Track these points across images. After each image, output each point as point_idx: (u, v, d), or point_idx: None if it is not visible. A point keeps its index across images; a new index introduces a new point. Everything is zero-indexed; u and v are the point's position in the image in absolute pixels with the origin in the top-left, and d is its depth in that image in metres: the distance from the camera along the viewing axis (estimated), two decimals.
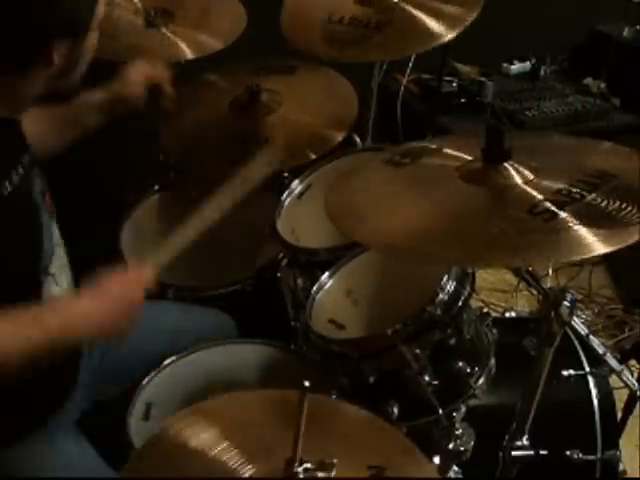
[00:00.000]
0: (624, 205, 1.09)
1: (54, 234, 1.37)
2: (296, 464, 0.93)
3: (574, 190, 1.14)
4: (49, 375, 1.37)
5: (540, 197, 1.13)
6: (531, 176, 1.18)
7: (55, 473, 1.35)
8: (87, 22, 1.27)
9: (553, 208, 1.10)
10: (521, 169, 1.20)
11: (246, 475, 0.99)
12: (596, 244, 1.03)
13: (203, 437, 1.04)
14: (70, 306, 1.31)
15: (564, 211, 1.09)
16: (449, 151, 1.34)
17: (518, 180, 1.18)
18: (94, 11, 1.28)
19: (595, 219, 1.07)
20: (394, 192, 1.29)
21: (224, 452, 1.02)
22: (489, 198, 1.18)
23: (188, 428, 1.06)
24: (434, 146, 1.38)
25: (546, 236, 1.07)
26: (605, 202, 1.11)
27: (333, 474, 0.94)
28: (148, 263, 1.39)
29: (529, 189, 1.16)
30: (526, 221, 1.10)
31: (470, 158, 1.27)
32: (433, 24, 1.89)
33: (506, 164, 1.20)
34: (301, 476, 0.93)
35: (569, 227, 1.06)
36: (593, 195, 1.12)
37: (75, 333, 1.27)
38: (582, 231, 1.06)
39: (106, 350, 1.58)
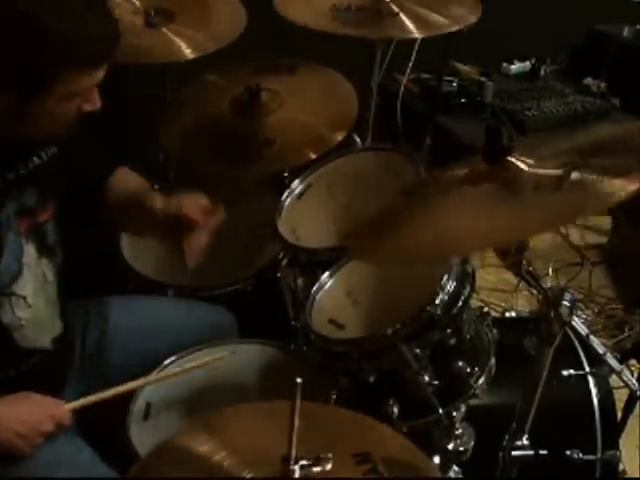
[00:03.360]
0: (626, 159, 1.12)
1: (25, 255, 1.35)
2: (292, 462, 0.93)
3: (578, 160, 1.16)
4: (36, 373, 1.39)
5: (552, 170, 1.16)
6: (533, 162, 1.20)
7: (47, 470, 1.35)
8: (39, 88, 1.23)
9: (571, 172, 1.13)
10: (523, 158, 1.21)
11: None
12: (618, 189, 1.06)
13: (202, 449, 1.04)
14: None
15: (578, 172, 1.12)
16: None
17: (524, 167, 1.20)
18: (51, 80, 1.22)
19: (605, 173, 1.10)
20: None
21: (222, 461, 1.02)
22: (505, 189, 1.20)
23: (189, 440, 1.06)
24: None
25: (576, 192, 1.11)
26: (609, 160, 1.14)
27: (329, 467, 0.95)
28: (70, 405, 1.38)
29: (538, 170, 1.18)
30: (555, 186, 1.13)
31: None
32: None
33: (509, 158, 1.21)
34: (297, 474, 0.94)
35: (591, 180, 1.10)
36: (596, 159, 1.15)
37: None
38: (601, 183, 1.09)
39: (104, 350, 1.58)
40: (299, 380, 0.89)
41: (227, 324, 1.70)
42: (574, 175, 1.13)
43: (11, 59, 1.18)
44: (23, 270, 1.35)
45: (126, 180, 1.61)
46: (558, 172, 1.15)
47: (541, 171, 1.18)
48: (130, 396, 1.46)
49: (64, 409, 1.36)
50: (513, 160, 1.21)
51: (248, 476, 0.99)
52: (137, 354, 1.56)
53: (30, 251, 1.37)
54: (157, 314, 1.66)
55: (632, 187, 1.04)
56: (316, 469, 0.94)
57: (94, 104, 1.31)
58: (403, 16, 1.98)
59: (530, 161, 1.20)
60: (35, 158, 1.38)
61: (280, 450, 0.94)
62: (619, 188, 1.06)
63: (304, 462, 0.94)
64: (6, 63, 1.19)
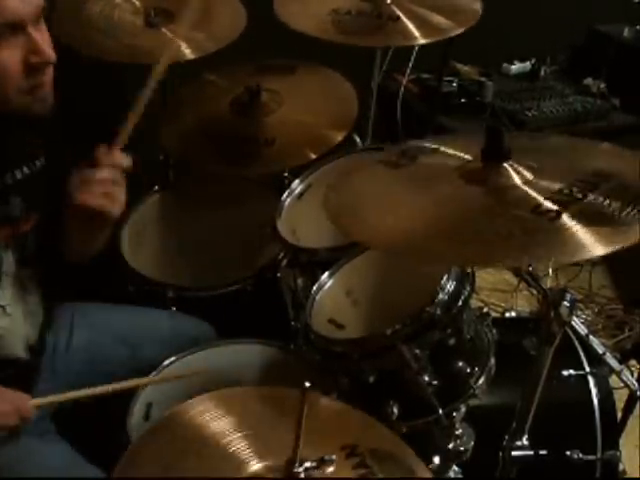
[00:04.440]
0: (625, 205, 1.09)
1: (4, 264, 1.34)
2: (296, 464, 0.93)
3: (574, 190, 1.14)
4: (8, 383, 1.36)
5: (542, 197, 1.13)
6: (530, 176, 1.18)
7: (13, 469, 1.34)
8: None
9: (556, 207, 1.10)
10: (520, 169, 1.19)
11: (253, 468, 1.00)
12: (598, 244, 1.03)
13: (221, 424, 1.06)
14: None
15: (567, 211, 1.09)
16: (447, 151, 1.34)
17: (517, 180, 1.18)
18: None
19: (597, 219, 1.07)
20: (394, 192, 1.29)
21: (236, 442, 1.04)
22: (489, 198, 1.18)
23: (208, 412, 1.08)
24: (432, 146, 1.38)
25: (551, 236, 1.07)
26: (606, 202, 1.10)
27: (332, 469, 0.95)
28: (34, 401, 1.35)
29: (529, 189, 1.16)
30: (530, 220, 1.09)
31: (469, 158, 1.27)
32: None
33: (505, 164, 1.19)
34: (302, 476, 0.94)
35: (573, 227, 1.06)
36: (593, 195, 1.12)
37: None
38: (585, 231, 1.05)
39: (81, 358, 1.57)
40: (307, 384, 0.89)
41: (206, 335, 1.68)
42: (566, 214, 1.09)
43: None
44: (2, 279, 1.34)
45: None
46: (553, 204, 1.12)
47: (535, 194, 1.14)
48: (130, 396, 1.46)
49: (29, 403, 1.33)
50: (509, 169, 1.19)
51: (255, 466, 0.99)
52: (122, 362, 1.55)
53: (9, 260, 1.36)
54: (139, 323, 1.65)
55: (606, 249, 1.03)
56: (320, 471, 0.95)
57: (42, 54, 1.21)
58: (405, 20, 1.96)
59: (528, 175, 1.19)
60: (24, 167, 1.36)
61: (285, 439, 0.95)
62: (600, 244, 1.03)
63: (308, 464, 0.94)
64: None
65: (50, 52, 1.23)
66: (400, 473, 1.05)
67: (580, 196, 1.12)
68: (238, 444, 1.04)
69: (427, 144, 1.39)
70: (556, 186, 1.15)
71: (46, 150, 1.40)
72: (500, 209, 1.15)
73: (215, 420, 1.08)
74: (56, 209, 1.43)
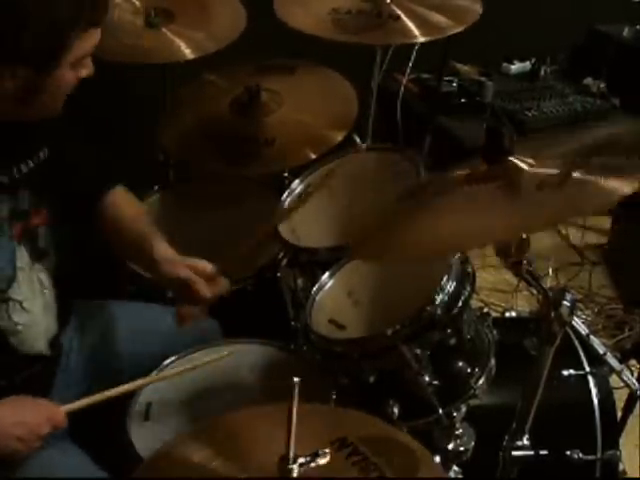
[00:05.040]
0: (629, 154, 1.13)
1: (18, 259, 1.35)
2: (290, 461, 0.93)
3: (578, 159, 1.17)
4: (34, 381, 1.39)
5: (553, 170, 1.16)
6: (533, 162, 1.20)
7: (36, 475, 1.34)
8: (55, 56, 1.22)
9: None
10: (523, 158, 1.21)
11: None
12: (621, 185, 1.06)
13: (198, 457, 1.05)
14: None
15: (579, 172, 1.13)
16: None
17: (524, 166, 1.20)
18: (66, 45, 1.22)
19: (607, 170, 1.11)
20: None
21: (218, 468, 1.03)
22: (506, 188, 1.20)
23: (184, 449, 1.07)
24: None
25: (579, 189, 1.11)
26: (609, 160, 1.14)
27: (326, 460, 0.95)
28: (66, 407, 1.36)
29: (539, 169, 1.19)
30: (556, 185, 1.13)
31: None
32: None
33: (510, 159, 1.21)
34: (295, 473, 0.94)
35: (591, 179, 1.11)
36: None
37: None
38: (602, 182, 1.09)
39: (92, 356, 1.57)
40: (297, 379, 0.89)
41: (211, 330, 1.69)
42: (575, 174, 1.13)
43: (22, 30, 1.16)
44: (17, 274, 1.35)
45: (123, 204, 1.57)
46: (559, 171, 1.15)
47: (541, 170, 1.19)
48: (130, 397, 1.46)
49: (61, 411, 1.35)
50: (514, 160, 1.21)
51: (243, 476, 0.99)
52: (131, 359, 1.56)
53: (23, 255, 1.37)
54: (151, 319, 1.65)
55: (630, 187, 1.05)
56: (313, 465, 0.95)
57: (89, 68, 1.30)
58: (405, 19, 1.97)
59: (530, 161, 1.20)
60: (29, 161, 1.37)
61: (275, 453, 0.95)
62: (618, 187, 1.06)
63: (302, 460, 0.94)
64: (18, 36, 1.16)
65: (92, 68, 1.32)
66: (395, 452, 1.05)
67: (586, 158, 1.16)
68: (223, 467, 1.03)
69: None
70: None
71: (49, 142, 1.41)
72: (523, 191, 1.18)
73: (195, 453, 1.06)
74: (65, 202, 1.45)
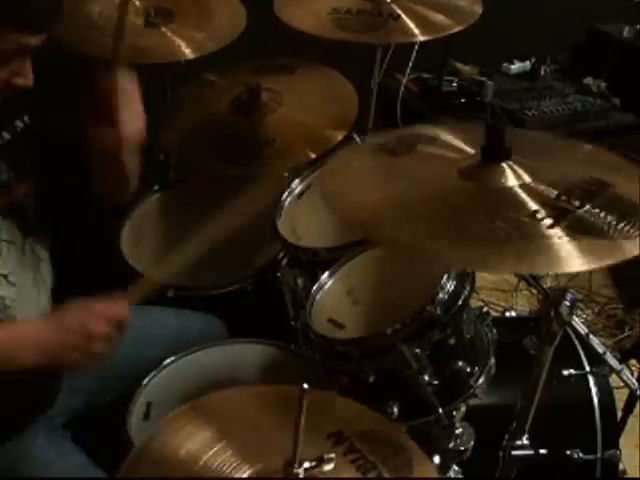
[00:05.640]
0: (621, 219, 1.07)
1: (4, 232, 1.32)
2: (295, 465, 0.93)
3: (572, 198, 1.11)
4: (29, 383, 1.34)
5: (539, 204, 1.11)
6: (528, 179, 1.15)
7: (35, 474, 1.34)
8: (47, 20, 1.20)
9: (551, 221, 1.07)
10: (519, 171, 1.16)
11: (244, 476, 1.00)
12: (592, 258, 1.02)
13: (199, 438, 1.04)
14: (17, 328, 1.27)
15: (564, 220, 1.07)
16: (447, 140, 1.31)
17: (515, 182, 1.15)
18: (60, 14, 1.21)
19: (592, 232, 1.05)
20: (385, 177, 1.27)
21: (220, 453, 1.02)
22: (485, 197, 1.16)
23: (184, 428, 1.06)
24: (430, 134, 1.36)
25: (548, 244, 1.04)
26: (602, 214, 1.08)
27: (332, 466, 0.95)
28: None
29: (525, 194, 1.13)
30: (528, 226, 1.07)
31: (471, 151, 1.24)
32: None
33: (504, 164, 1.17)
34: (301, 476, 0.94)
35: (567, 239, 1.04)
36: (590, 205, 1.10)
37: (18, 357, 1.23)
38: (579, 244, 1.03)
39: None
40: (306, 386, 0.89)
41: (216, 331, 1.69)
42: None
43: None
44: (1, 247, 1.32)
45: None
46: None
47: (531, 201, 1.12)
48: (130, 396, 1.46)
49: (117, 305, 1.29)
50: (507, 169, 1.17)
51: (247, 473, 0.99)
52: (134, 363, 1.55)
53: (9, 228, 1.34)
54: (151, 322, 1.63)
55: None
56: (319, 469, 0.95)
57: (26, 79, 1.25)
58: (405, 18, 1.96)
59: (525, 176, 1.16)
60: (4, 133, 1.33)
61: (277, 441, 0.94)
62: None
63: (307, 465, 0.94)
64: None
65: (31, 78, 1.26)
66: (390, 451, 1.05)
67: (578, 204, 1.10)
68: (222, 455, 1.02)
69: (427, 132, 1.36)
70: (554, 192, 1.13)
71: (30, 110, 1.37)
72: (497, 210, 1.12)
73: (191, 437, 1.05)
74: (52, 173, 1.41)
